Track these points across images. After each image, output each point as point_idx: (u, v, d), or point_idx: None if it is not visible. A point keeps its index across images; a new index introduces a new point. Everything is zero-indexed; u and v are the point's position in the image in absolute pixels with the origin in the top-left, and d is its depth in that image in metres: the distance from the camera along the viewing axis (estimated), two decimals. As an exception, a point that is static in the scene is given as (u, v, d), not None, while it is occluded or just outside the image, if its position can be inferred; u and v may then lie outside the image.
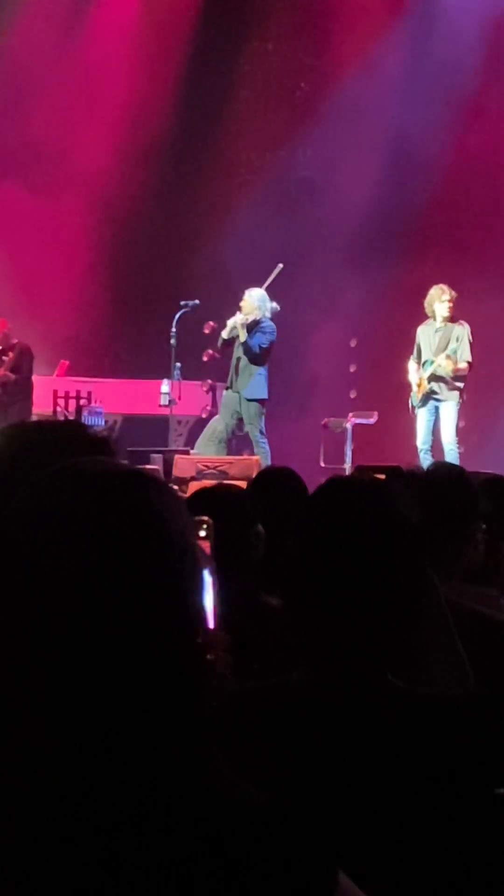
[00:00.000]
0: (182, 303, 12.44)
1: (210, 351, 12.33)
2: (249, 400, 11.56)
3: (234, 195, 13.94)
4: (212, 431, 11.98)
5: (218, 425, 11.93)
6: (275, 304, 11.75)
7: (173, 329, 12.29)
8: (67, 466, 1.29)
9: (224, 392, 11.97)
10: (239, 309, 11.69)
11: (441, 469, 3.43)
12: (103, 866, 1.20)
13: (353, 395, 14.48)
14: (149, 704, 1.21)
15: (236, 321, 11.53)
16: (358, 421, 13.07)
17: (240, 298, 11.79)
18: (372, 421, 12.96)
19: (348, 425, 13.09)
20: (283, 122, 14.58)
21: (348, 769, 1.88)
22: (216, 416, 12.31)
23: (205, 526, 1.48)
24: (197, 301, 12.37)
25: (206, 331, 12.08)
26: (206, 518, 1.51)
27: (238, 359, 11.60)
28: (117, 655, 1.19)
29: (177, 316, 12.34)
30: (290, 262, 13.22)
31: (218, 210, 13.84)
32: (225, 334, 11.65)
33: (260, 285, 11.91)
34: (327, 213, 13.98)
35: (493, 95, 13.57)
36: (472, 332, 11.36)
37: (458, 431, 11.57)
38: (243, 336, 11.48)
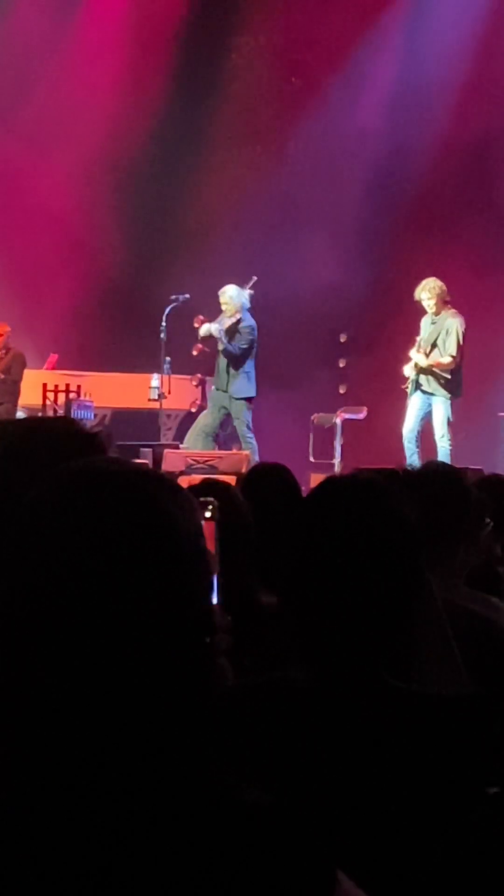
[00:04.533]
0: (172, 297, 12.44)
1: (200, 345, 12.33)
2: (237, 398, 11.65)
3: (223, 189, 13.91)
4: (201, 426, 12.02)
5: (205, 419, 11.99)
6: (249, 291, 11.83)
7: (163, 323, 12.29)
8: (81, 465, 1.30)
9: (212, 388, 12.04)
10: (221, 310, 11.73)
11: (434, 468, 3.41)
12: (102, 864, 1.20)
13: (342, 390, 14.50)
14: (154, 702, 1.22)
15: (211, 329, 11.63)
16: (347, 416, 13.08)
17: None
18: (361, 416, 12.97)
19: (338, 420, 13.10)
20: (273, 115, 14.56)
21: (343, 767, 1.88)
22: (205, 411, 12.34)
23: (210, 507, 1.47)
24: (187, 295, 12.37)
25: (196, 325, 12.09)
26: (211, 499, 1.51)
27: (224, 360, 11.70)
28: (128, 653, 1.20)
29: (167, 310, 12.34)
30: (279, 256, 13.22)
31: (208, 204, 13.81)
32: (202, 332, 11.77)
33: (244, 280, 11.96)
34: (317, 208, 13.96)
35: (483, 86, 13.55)
36: (464, 324, 11.33)
37: (450, 427, 11.57)
38: (222, 344, 11.59)
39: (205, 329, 11.72)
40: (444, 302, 11.36)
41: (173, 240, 13.91)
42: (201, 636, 1.24)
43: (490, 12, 13.72)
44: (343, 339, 14.68)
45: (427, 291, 11.33)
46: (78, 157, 13.77)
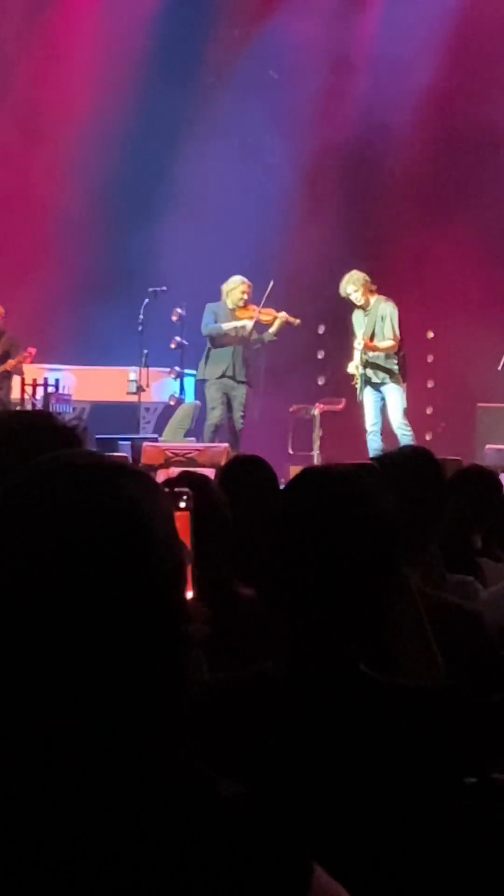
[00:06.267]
0: (150, 289, 12.42)
1: (178, 338, 12.31)
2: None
3: (202, 181, 13.88)
4: (181, 418, 11.95)
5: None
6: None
7: (141, 316, 12.27)
8: (53, 458, 1.29)
9: (216, 382, 11.77)
10: (244, 303, 11.66)
11: (408, 452, 3.39)
12: (76, 859, 1.20)
13: (321, 381, 14.50)
14: (129, 697, 1.21)
15: (281, 318, 11.66)
16: (326, 408, 13.09)
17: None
18: (340, 408, 12.97)
19: (316, 412, 13.11)
20: (250, 108, 14.53)
21: (320, 759, 1.88)
22: (184, 405, 12.26)
23: (185, 497, 1.47)
24: (164, 287, 12.35)
25: (174, 318, 12.06)
26: (185, 489, 1.51)
27: (244, 352, 11.65)
28: (101, 649, 1.20)
29: (144, 303, 12.32)
30: (258, 247, 13.21)
31: (186, 196, 13.78)
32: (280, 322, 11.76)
33: (229, 273, 11.95)
34: (297, 199, 13.95)
35: (471, 70, 13.55)
36: (396, 308, 11.28)
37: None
38: (272, 337, 11.73)
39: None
40: (370, 291, 11.34)
41: (151, 233, 13.87)
42: (175, 627, 1.24)
43: None
44: (321, 330, 14.67)
45: (352, 284, 11.30)
46: (54, 150, 13.71)
